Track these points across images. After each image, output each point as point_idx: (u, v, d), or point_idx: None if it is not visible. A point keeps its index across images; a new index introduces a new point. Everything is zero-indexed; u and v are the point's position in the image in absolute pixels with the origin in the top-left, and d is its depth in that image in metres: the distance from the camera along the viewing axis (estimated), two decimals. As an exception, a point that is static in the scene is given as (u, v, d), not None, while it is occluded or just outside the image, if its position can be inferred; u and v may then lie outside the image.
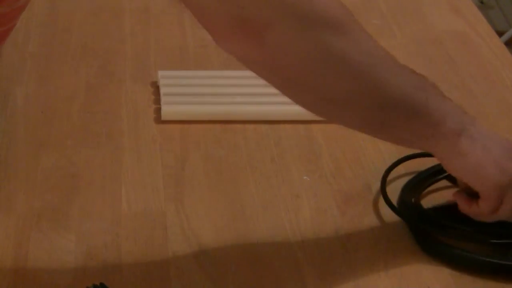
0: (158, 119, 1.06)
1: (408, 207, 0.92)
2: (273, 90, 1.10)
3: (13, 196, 0.93)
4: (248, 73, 1.16)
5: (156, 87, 1.10)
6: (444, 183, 0.98)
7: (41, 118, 1.05)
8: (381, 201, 0.95)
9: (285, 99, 1.04)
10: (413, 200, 0.94)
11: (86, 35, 1.20)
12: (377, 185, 0.97)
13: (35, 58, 1.15)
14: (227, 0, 0.71)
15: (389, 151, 1.03)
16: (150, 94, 1.09)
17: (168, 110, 1.05)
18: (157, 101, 1.08)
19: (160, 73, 1.12)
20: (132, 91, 1.10)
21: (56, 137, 1.02)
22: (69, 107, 1.07)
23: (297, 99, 0.81)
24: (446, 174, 0.97)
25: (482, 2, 3.03)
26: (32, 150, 1.00)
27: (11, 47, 1.17)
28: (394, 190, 0.96)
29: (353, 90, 0.78)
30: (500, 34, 2.65)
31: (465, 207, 0.88)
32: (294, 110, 1.05)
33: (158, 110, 1.07)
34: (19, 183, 0.95)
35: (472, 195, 0.87)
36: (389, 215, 0.93)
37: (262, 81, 1.12)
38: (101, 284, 0.81)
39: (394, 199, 0.93)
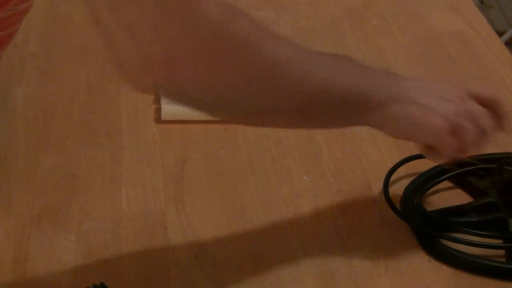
0: (158, 119, 1.06)
1: (410, 209, 0.92)
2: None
3: (13, 196, 0.93)
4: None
5: (156, 87, 1.10)
6: (446, 184, 0.98)
7: (41, 118, 1.05)
8: (381, 201, 0.95)
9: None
10: (415, 201, 0.94)
11: (86, 35, 1.20)
12: (377, 185, 0.97)
13: (35, 58, 1.15)
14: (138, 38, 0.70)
15: (389, 151, 1.03)
16: (150, 94, 1.09)
17: (168, 110, 1.05)
18: (157, 101, 1.08)
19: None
20: (132, 91, 1.10)
21: (56, 137, 1.02)
22: (69, 107, 1.07)
23: (219, 115, 0.80)
24: (448, 175, 0.97)
25: (482, 2, 3.03)
26: (32, 150, 1.00)
27: (11, 47, 1.16)
28: (396, 191, 0.95)
29: (276, 100, 0.77)
30: (500, 34, 2.65)
31: (432, 156, 0.88)
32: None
33: (158, 110, 1.07)
34: (19, 183, 0.95)
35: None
36: (389, 215, 0.93)
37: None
38: (101, 284, 0.81)
39: (395, 200, 0.93)
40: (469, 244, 0.88)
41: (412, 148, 1.02)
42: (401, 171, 0.98)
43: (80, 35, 1.20)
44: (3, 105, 1.07)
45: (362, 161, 1.01)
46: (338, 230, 0.92)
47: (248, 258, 0.88)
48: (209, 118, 1.06)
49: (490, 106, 0.86)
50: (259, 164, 1.00)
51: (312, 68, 0.78)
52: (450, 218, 0.92)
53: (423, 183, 0.96)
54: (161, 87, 0.75)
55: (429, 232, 0.90)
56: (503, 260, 0.89)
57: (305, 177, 0.98)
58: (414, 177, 0.98)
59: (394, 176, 0.97)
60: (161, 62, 0.71)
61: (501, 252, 0.90)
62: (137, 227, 0.90)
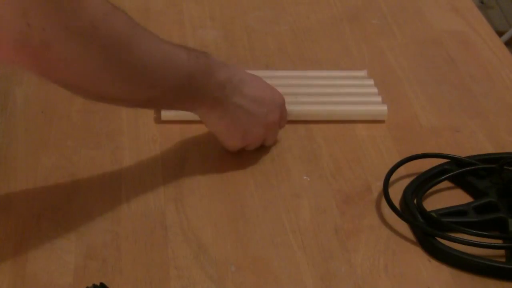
0: (158, 119, 1.06)
1: (410, 209, 0.92)
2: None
3: (13, 196, 0.93)
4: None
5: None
6: (446, 184, 0.98)
7: (41, 118, 1.05)
8: (381, 201, 0.95)
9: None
10: (415, 201, 0.94)
11: (86, 35, 1.20)
12: (376, 185, 0.97)
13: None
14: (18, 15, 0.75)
15: (389, 151, 1.03)
16: (150, 94, 1.09)
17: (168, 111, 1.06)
18: (157, 101, 1.08)
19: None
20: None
21: (56, 137, 1.02)
22: (69, 107, 1.07)
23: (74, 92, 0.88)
24: (448, 175, 0.97)
25: (482, 2, 3.03)
26: (32, 150, 1.00)
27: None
28: (395, 192, 0.95)
29: (128, 88, 0.86)
30: (500, 34, 2.65)
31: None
32: (293, 111, 1.06)
33: (158, 110, 1.07)
34: (19, 183, 0.95)
35: None
36: (389, 215, 0.93)
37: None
38: (101, 284, 0.81)
39: (395, 200, 0.93)
40: (469, 244, 0.88)
41: (412, 148, 1.02)
42: (401, 171, 0.98)
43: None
44: (3, 105, 1.07)
45: (362, 161, 1.01)
46: (338, 230, 0.92)
47: (248, 258, 0.88)
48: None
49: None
50: (259, 164, 1.00)
51: (164, 61, 0.87)
52: (450, 218, 0.92)
53: (423, 183, 0.96)
54: (29, 68, 0.80)
55: (429, 232, 0.90)
56: (503, 260, 0.88)
57: (305, 177, 0.98)
58: (414, 177, 0.98)
59: (394, 176, 0.97)
60: (36, 45, 0.76)
61: (501, 252, 0.90)
62: (137, 227, 0.90)
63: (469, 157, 1.00)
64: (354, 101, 1.10)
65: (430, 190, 0.97)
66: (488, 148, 1.04)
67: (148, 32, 0.86)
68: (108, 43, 0.80)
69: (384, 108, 1.08)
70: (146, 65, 0.85)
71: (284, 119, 1.02)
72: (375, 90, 1.11)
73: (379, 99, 1.10)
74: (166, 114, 1.05)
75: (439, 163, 0.99)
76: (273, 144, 1.02)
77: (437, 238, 0.89)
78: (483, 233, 0.89)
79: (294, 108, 1.05)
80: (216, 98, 0.93)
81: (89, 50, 0.79)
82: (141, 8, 1.28)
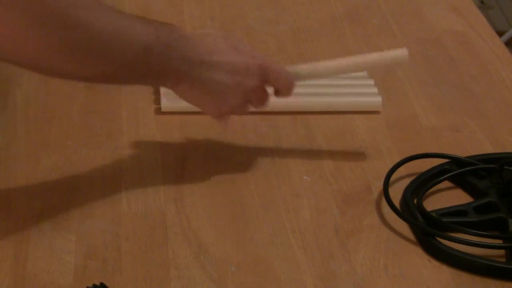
0: (158, 119, 1.06)
1: (410, 209, 0.92)
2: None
3: (13, 196, 0.93)
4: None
5: (156, 87, 1.10)
6: (446, 184, 0.98)
7: (41, 118, 1.05)
8: (381, 201, 0.95)
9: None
10: (415, 201, 0.94)
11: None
12: (377, 185, 0.97)
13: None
14: None
15: (389, 151, 1.03)
16: (150, 94, 1.09)
17: (168, 101, 1.06)
18: (157, 101, 1.08)
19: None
20: (132, 91, 1.10)
21: (56, 137, 1.02)
22: (69, 107, 1.07)
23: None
24: (448, 175, 0.97)
25: (482, 2, 3.03)
26: (32, 150, 1.00)
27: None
28: (395, 191, 0.95)
29: (77, 63, 0.83)
30: (500, 34, 2.65)
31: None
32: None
33: (158, 110, 1.07)
34: (19, 183, 0.95)
35: None
36: (389, 215, 0.93)
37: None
38: (101, 284, 0.81)
39: (395, 200, 0.93)
40: (469, 244, 0.88)
41: (412, 148, 1.02)
42: (401, 171, 0.98)
43: (80, 35, 1.20)
44: (3, 105, 1.07)
45: (362, 161, 1.01)
46: (338, 230, 0.92)
47: (248, 258, 0.88)
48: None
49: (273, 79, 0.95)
50: (259, 164, 1.00)
51: (122, 37, 0.84)
52: (450, 218, 0.92)
53: (423, 183, 0.96)
54: None
55: (429, 232, 0.90)
56: (503, 260, 0.89)
57: (305, 177, 0.98)
58: (414, 177, 0.98)
59: (394, 176, 0.97)
60: None
61: (501, 252, 0.90)
62: (137, 227, 0.90)
63: (469, 157, 1.00)
64: (350, 92, 1.11)
65: (430, 190, 0.97)
66: (488, 148, 1.04)
67: (100, 5, 0.82)
68: (52, 14, 0.77)
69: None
70: (94, 38, 0.81)
71: (274, 79, 0.95)
72: (372, 83, 1.12)
73: (375, 90, 1.11)
74: (166, 105, 1.05)
75: (439, 163, 0.99)
76: (266, 107, 0.98)
77: (437, 238, 0.89)
78: (483, 233, 0.89)
79: (300, 70, 1.01)
80: (182, 72, 0.89)
81: (32, 22, 0.76)
82: (141, 8, 1.28)
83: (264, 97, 0.96)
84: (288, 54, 1.21)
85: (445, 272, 0.87)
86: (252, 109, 0.97)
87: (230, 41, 0.94)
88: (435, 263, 0.88)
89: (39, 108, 1.07)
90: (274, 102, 1.08)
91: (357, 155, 1.02)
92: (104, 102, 1.08)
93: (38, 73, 0.87)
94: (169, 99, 1.06)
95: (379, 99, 1.09)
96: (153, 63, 0.87)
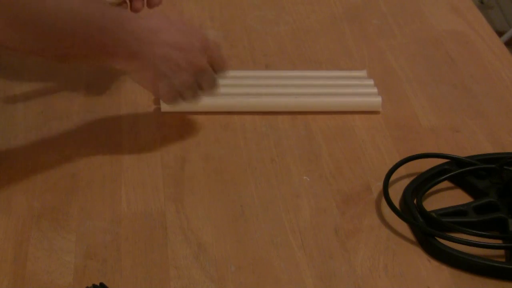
0: (158, 119, 1.06)
1: (410, 209, 0.92)
2: (275, 89, 1.11)
3: (13, 196, 0.93)
4: (248, 73, 1.17)
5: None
6: (446, 184, 0.98)
7: (41, 118, 1.05)
8: (381, 201, 0.95)
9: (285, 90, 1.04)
10: (415, 201, 0.94)
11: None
12: (376, 185, 0.97)
13: (35, 58, 1.15)
14: None
15: (389, 151, 1.03)
16: (150, 95, 1.09)
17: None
18: (157, 101, 1.08)
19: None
20: (132, 91, 1.10)
21: (56, 137, 1.02)
22: (69, 107, 1.07)
23: None
24: (448, 175, 0.97)
25: (482, 2, 3.03)
26: (32, 150, 1.00)
27: (11, 47, 1.17)
28: (395, 192, 0.96)
29: (32, 42, 0.86)
30: (500, 34, 2.65)
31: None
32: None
33: (158, 110, 1.07)
34: (19, 183, 0.95)
35: None
36: (389, 215, 0.93)
37: (263, 81, 1.13)
38: (101, 284, 0.81)
39: (395, 201, 0.93)
40: (468, 244, 0.88)
41: (412, 148, 1.02)
42: (401, 171, 0.98)
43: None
44: (3, 105, 1.07)
45: (362, 161, 1.01)
46: (338, 230, 0.92)
47: (247, 258, 0.88)
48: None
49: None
50: (259, 164, 1.00)
51: (80, 17, 0.87)
52: (450, 218, 0.92)
53: (423, 183, 0.96)
54: None
55: (428, 232, 0.90)
56: (503, 260, 0.89)
57: (305, 177, 0.98)
58: (414, 177, 0.98)
59: (393, 176, 0.97)
60: None
61: (501, 252, 0.90)
62: (136, 227, 0.90)
63: (469, 157, 1.00)
64: (350, 93, 1.11)
65: (430, 190, 0.97)
66: (488, 148, 1.04)
67: None
68: None
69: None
70: (46, 18, 0.84)
71: (216, 61, 0.98)
72: (372, 83, 1.12)
73: (374, 90, 1.11)
74: (166, 106, 1.05)
75: (439, 163, 0.99)
76: (213, 90, 0.99)
77: (437, 238, 0.89)
78: (483, 233, 0.89)
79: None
80: (133, 51, 0.92)
81: None
82: (141, 8, 1.28)
83: (212, 79, 0.98)
84: (288, 54, 1.21)
85: (444, 272, 0.87)
86: (202, 94, 0.99)
87: (173, 21, 0.97)
88: (434, 263, 0.88)
89: (39, 108, 1.07)
90: (274, 102, 1.09)
91: (357, 155, 1.02)
92: (104, 102, 1.08)
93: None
94: None
95: (379, 99, 1.09)
96: (106, 42, 0.90)
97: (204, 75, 0.97)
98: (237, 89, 1.10)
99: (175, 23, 0.97)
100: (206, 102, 1.04)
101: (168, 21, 0.96)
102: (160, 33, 0.94)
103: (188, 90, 0.97)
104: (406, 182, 0.97)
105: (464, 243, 0.88)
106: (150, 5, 1.08)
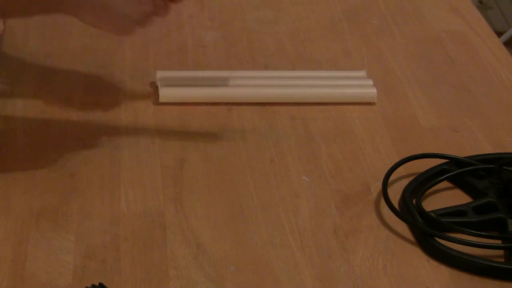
0: (158, 120, 1.06)
1: (409, 209, 0.92)
2: (276, 90, 1.11)
3: (12, 196, 0.93)
4: (248, 73, 1.17)
5: (155, 88, 1.11)
6: (445, 184, 0.98)
7: (41, 118, 1.05)
8: (380, 201, 0.95)
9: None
10: (414, 202, 0.94)
11: (85, 35, 1.20)
12: (376, 185, 0.97)
13: (34, 58, 1.15)
14: None
15: (388, 152, 1.03)
16: (150, 94, 1.09)
17: (166, 91, 1.06)
18: (157, 101, 1.08)
19: (159, 73, 1.12)
20: (131, 91, 1.10)
21: (55, 137, 1.02)
22: (69, 107, 1.07)
23: None
24: (447, 176, 0.97)
25: (481, 2, 3.03)
26: (32, 150, 1.00)
27: (11, 47, 1.17)
28: (394, 192, 0.96)
29: None
30: (499, 34, 2.65)
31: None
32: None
33: (157, 111, 1.07)
34: (18, 183, 0.95)
35: None
36: (388, 215, 0.93)
37: (263, 81, 1.14)
38: (100, 284, 0.81)
39: (394, 201, 0.93)
40: (468, 244, 0.88)
41: (411, 149, 1.02)
42: (400, 171, 0.98)
43: (80, 35, 1.21)
44: (3, 105, 1.07)
45: (361, 161, 1.01)
46: (337, 230, 0.92)
47: (247, 258, 0.88)
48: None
49: None
50: (258, 164, 1.00)
51: None
52: (449, 218, 0.92)
53: (422, 183, 0.96)
54: None
55: (428, 232, 0.90)
56: (502, 260, 0.89)
57: (304, 178, 0.98)
58: (413, 177, 0.98)
59: (393, 176, 0.97)
60: None
61: (500, 252, 0.90)
62: (136, 227, 0.90)
63: (468, 157, 1.00)
64: (345, 84, 1.13)
65: (429, 190, 0.97)
66: (487, 148, 1.04)
67: None
68: None
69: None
70: None
71: None
72: (371, 83, 1.13)
73: (370, 82, 1.12)
74: (164, 95, 1.05)
75: (438, 163, 0.99)
76: (167, 14, 0.97)
77: (436, 238, 0.89)
78: (482, 233, 0.89)
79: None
80: None
81: None
82: (141, 8, 1.28)
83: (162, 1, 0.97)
84: (288, 54, 1.21)
85: (444, 272, 0.87)
86: (155, 19, 0.97)
87: None
88: (434, 263, 0.88)
89: (39, 108, 1.07)
90: (270, 93, 1.09)
91: (356, 156, 1.02)
92: (104, 102, 1.08)
93: None
94: (167, 90, 1.07)
95: (374, 90, 1.10)
96: None
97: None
98: (237, 90, 1.11)
99: None
100: (204, 93, 1.04)
101: None
102: None
103: (140, 18, 0.96)
104: (405, 182, 0.97)
105: (464, 243, 0.88)
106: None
